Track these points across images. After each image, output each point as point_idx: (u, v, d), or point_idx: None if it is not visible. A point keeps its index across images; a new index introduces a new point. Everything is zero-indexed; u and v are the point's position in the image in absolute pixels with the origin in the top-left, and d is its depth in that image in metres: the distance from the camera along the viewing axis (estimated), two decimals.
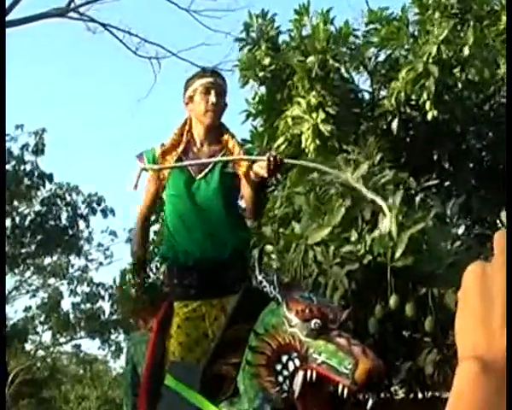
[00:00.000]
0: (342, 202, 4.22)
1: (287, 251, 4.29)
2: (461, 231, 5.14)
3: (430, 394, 6.25)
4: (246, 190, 3.75)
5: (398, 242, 3.96)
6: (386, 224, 4.03)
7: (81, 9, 16.04)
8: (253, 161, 3.59)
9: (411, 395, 5.94)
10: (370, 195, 3.84)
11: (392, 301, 3.98)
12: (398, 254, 3.95)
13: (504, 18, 6.56)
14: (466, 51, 5.76)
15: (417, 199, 4.52)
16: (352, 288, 4.02)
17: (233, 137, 3.95)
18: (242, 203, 4.07)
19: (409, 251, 3.94)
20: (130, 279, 7.92)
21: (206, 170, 3.81)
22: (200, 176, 3.80)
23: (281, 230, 4.51)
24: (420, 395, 6.20)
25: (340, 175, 4.29)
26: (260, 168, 3.52)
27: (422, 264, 4.04)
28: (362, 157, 4.68)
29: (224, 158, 3.79)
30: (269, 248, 4.44)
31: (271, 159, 3.37)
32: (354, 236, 4.06)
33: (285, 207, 4.79)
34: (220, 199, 3.81)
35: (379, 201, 3.88)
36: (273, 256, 4.41)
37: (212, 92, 3.85)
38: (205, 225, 3.77)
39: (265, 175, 3.47)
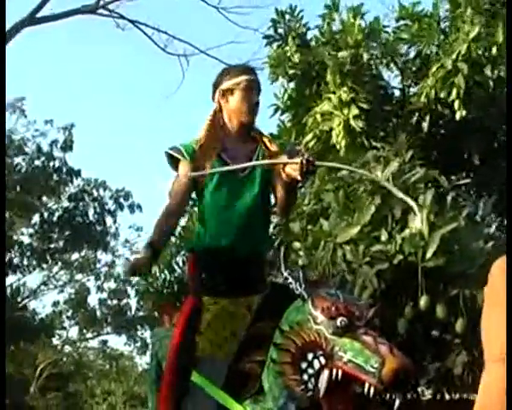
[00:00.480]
0: (372, 201, 4.15)
1: (315, 248, 4.23)
2: (493, 230, 5.05)
3: (458, 395, 6.16)
4: (278, 189, 3.70)
5: (429, 241, 3.88)
6: (418, 223, 3.95)
7: (110, 6, 16.16)
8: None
9: (438, 396, 5.86)
10: (401, 194, 3.76)
11: (423, 301, 3.90)
12: (429, 254, 3.88)
13: None
14: (495, 49, 5.65)
15: (449, 198, 4.43)
16: (382, 287, 3.95)
17: (262, 133, 3.92)
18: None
19: (440, 251, 3.87)
20: (156, 273, 7.93)
21: (250, 169, 3.75)
22: (242, 174, 3.74)
23: (309, 227, 4.45)
24: (447, 397, 6.12)
25: (369, 175, 4.22)
26: (293, 170, 3.46)
27: (454, 264, 3.95)
28: (392, 154, 4.60)
29: (265, 162, 3.71)
30: (296, 244, 4.39)
31: (304, 162, 3.32)
32: (384, 235, 3.99)
33: (313, 204, 4.73)
34: (259, 198, 3.77)
35: (409, 201, 3.80)
36: (300, 253, 4.35)
37: (255, 91, 3.81)
38: (243, 224, 3.69)
39: (298, 178, 3.41)
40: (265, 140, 3.84)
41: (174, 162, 3.83)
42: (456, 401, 6.16)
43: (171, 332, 3.81)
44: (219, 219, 3.71)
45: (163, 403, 3.63)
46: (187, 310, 3.70)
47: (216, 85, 3.86)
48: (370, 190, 4.44)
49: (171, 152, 3.81)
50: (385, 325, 3.88)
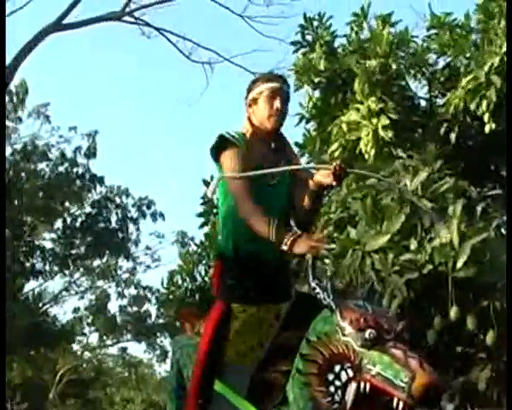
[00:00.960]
0: (401, 209, 4.08)
1: (342, 256, 4.17)
2: None
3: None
4: (303, 199, 3.64)
5: (459, 252, 3.82)
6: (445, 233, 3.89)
7: (136, 14, 16.21)
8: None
9: None
10: (427, 205, 3.70)
11: (453, 312, 3.83)
12: (459, 265, 3.81)
13: None
14: None
15: (478, 209, 4.36)
16: (411, 297, 3.88)
17: (290, 145, 3.88)
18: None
19: (470, 261, 3.80)
20: (178, 281, 7.89)
21: (279, 177, 3.71)
22: (272, 182, 3.70)
23: (335, 234, 4.39)
24: None
25: (395, 185, 4.15)
26: (323, 177, 3.40)
27: (484, 275, 3.88)
28: (421, 164, 4.54)
29: (297, 166, 3.66)
30: (322, 252, 4.33)
31: (337, 168, 3.27)
32: (414, 244, 3.93)
33: (340, 211, 4.67)
34: (287, 205, 3.72)
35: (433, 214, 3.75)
36: (327, 261, 4.29)
37: (278, 98, 3.76)
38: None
39: (333, 183, 3.35)
40: (293, 153, 3.80)
41: (219, 151, 3.71)
42: None
43: (193, 340, 3.76)
44: (246, 225, 3.65)
45: None
46: (216, 317, 3.61)
47: (246, 97, 3.85)
48: (399, 199, 4.37)
49: (226, 136, 3.70)
50: (413, 335, 3.81)
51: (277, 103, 3.73)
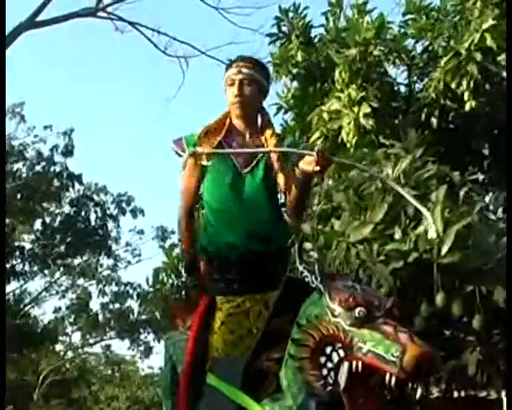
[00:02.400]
0: (384, 199, 4.08)
1: (327, 248, 4.17)
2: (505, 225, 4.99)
3: (464, 393, 6.12)
4: (291, 189, 3.61)
5: (444, 238, 3.82)
6: (432, 232, 3.88)
7: (110, 9, 16.09)
8: (299, 158, 3.42)
9: (447, 395, 5.81)
10: (413, 201, 3.70)
11: (439, 299, 3.83)
12: (444, 251, 3.81)
13: None
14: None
15: (461, 193, 4.38)
16: (397, 286, 3.89)
17: (274, 133, 3.81)
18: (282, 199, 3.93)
19: (455, 247, 3.80)
20: (164, 279, 7.84)
21: (253, 164, 3.68)
22: (246, 170, 3.67)
23: (319, 226, 4.38)
24: (456, 394, 6.07)
25: (374, 173, 4.14)
26: (306, 164, 3.35)
27: (469, 260, 3.89)
28: (402, 151, 4.55)
29: (275, 149, 3.62)
30: (308, 245, 4.32)
31: (320, 154, 3.22)
32: (398, 233, 3.92)
33: (323, 203, 4.66)
34: (265, 194, 3.68)
35: (419, 207, 3.75)
36: (312, 253, 4.29)
37: (236, 84, 3.75)
38: (249, 220, 3.61)
39: (316, 168, 3.29)
40: (270, 138, 3.77)
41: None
42: (463, 399, 6.12)
43: (186, 335, 3.75)
44: (223, 217, 3.64)
45: (180, 407, 3.57)
46: (200, 311, 3.62)
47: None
48: (382, 188, 4.37)
49: (173, 147, 3.74)
50: (401, 323, 3.82)
51: (234, 90, 3.69)
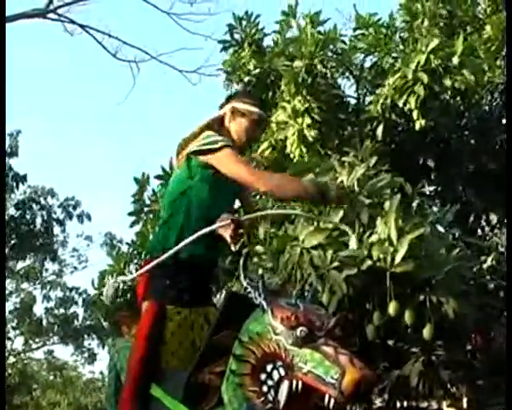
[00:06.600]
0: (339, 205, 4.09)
1: (280, 253, 4.16)
2: (455, 238, 5.07)
3: (407, 404, 6.17)
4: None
5: (397, 247, 3.85)
6: (352, 244, 3.94)
7: (60, 11, 15.87)
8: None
9: (390, 405, 5.86)
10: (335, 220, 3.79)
11: (392, 307, 3.86)
12: (397, 260, 3.84)
13: (488, 27, 6.55)
14: (455, 60, 5.69)
15: (414, 204, 4.43)
16: (350, 293, 3.90)
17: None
18: None
19: (408, 257, 3.84)
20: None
21: None
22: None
23: (272, 230, 4.38)
24: (398, 405, 6.12)
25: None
26: (223, 230, 3.36)
27: (421, 270, 3.93)
28: (356, 160, 4.58)
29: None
30: (260, 249, 4.31)
31: (235, 223, 3.32)
32: (352, 240, 3.94)
33: (277, 207, 4.66)
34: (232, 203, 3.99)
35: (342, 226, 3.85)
36: (264, 257, 4.28)
37: (257, 124, 3.91)
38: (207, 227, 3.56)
39: (228, 240, 3.35)
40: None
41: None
42: (405, 409, 6.17)
43: (130, 343, 3.69)
44: (201, 225, 3.55)
45: None
46: (149, 320, 3.54)
47: (228, 99, 3.92)
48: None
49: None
50: (352, 331, 3.84)
51: (258, 133, 4.02)
